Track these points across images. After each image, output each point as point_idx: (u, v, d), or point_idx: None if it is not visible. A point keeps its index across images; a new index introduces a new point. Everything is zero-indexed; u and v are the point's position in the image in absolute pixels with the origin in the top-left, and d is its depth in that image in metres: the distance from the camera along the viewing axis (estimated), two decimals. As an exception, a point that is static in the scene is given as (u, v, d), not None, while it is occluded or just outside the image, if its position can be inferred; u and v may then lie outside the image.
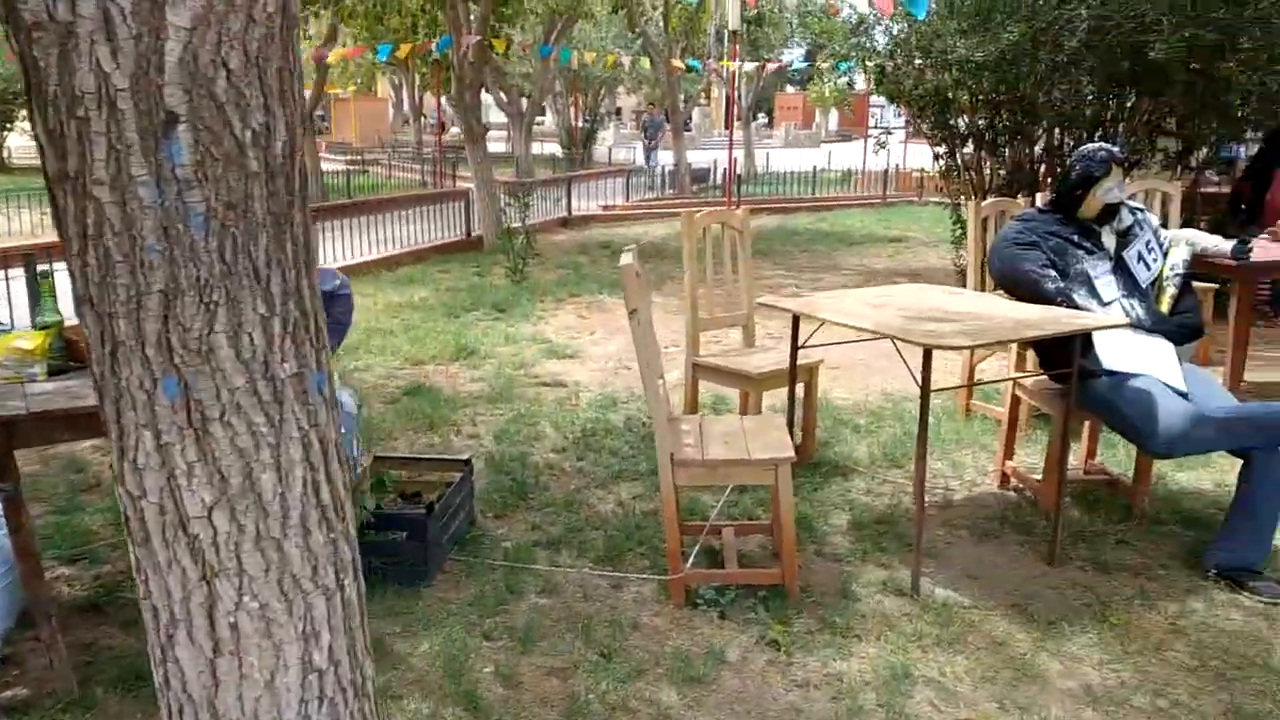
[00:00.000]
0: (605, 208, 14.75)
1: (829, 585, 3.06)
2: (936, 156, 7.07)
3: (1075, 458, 3.98)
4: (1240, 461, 3.13)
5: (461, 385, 5.30)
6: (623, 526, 3.48)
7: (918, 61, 6.11)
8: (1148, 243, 3.47)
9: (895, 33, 5.95)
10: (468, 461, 3.50)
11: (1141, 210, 3.58)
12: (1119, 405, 3.15)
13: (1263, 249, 4.86)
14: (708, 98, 37.98)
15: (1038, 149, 6.67)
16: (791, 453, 2.88)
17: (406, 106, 29.89)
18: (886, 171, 16.42)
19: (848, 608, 2.92)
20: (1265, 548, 3.07)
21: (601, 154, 26.28)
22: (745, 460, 2.87)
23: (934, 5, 5.77)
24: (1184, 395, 3.16)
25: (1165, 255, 3.52)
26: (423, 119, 28.50)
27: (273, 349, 1.24)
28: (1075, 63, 5.69)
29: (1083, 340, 3.18)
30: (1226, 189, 7.40)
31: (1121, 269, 3.42)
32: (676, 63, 15.14)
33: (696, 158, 21.33)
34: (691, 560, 3.12)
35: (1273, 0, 5.47)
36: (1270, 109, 6.56)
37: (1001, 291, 3.56)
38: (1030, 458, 4.10)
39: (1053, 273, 3.35)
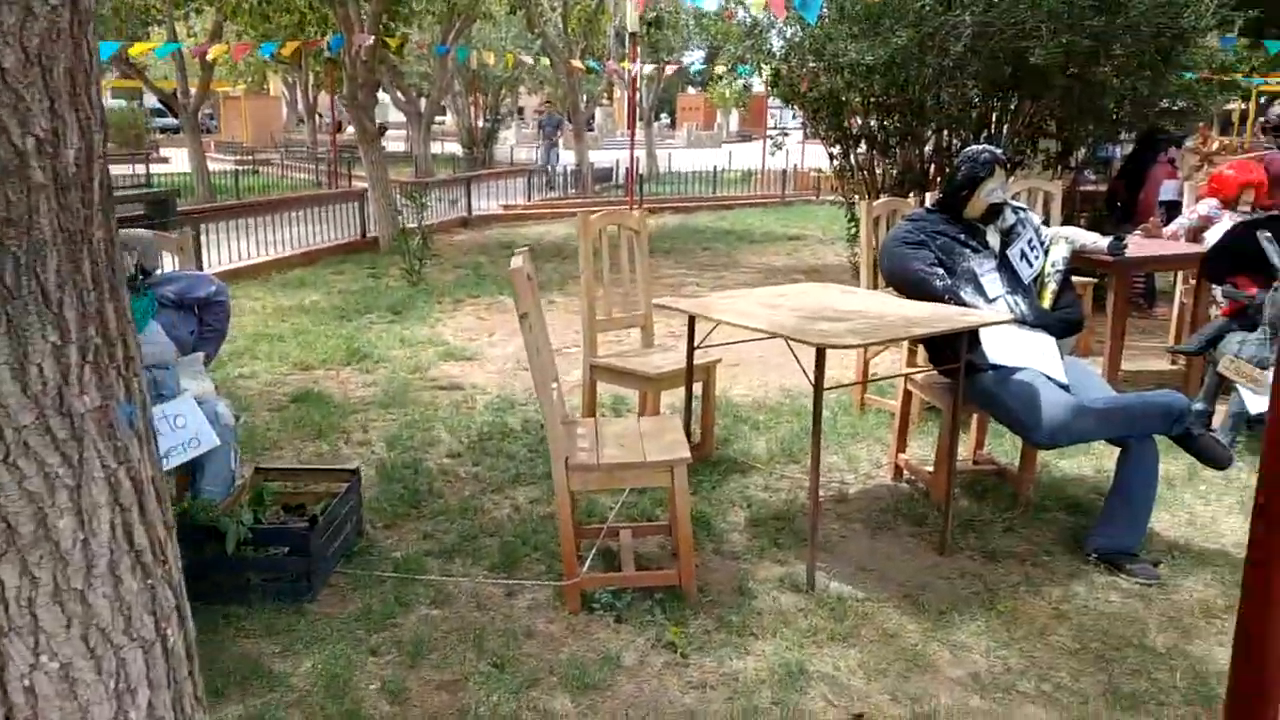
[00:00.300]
0: (506, 207, 14.58)
1: (727, 584, 3.05)
2: (831, 157, 7.19)
3: (965, 449, 4.07)
4: (1118, 450, 3.25)
5: (353, 391, 5.13)
6: (519, 532, 3.40)
7: (811, 64, 6.20)
8: (1030, 241, 3.58)
9: (789, 36, 6.03)
10: (355, 471, 3.37)
11: (1023, 210, 3.68)
12: (1004, 398, 3.23)
13: (1137, 245, 5.08)
14: (610, 98, 38.00)
15: (928, 150, 6.84)
16: (687, 454, 2.85)
17: (300, 105, 29.01)
18: (785, 171, 16.67)
19: (745, 606, 2.91)
20: (1141, 531, 3.19)
21: (504, 154, 26.01)
22: (641, 463, 2.83)
23: (826, 9, 5.85)
24: (1065, 387, 3.26)
25: (1046, 253, 3.63)
26: (318, 118, 27.73)
27: (69, 381, 1.12)
28: (961, 67, 5.85)
29: (969, 336, 3.25)
30: (1104, 188, 7.75)
31: (1005, 266, 3.52)
32: (576, 63, 15.06)
33: (600, 157, 21.27)
34: (588, 564, 3.06)
35: (1141, 10, 5.73)
36: (1142, 112, 6.88)
37: (892, 289, 3.62)
38: (922, 450, 4.18)
39: (940, 271, 3.42)
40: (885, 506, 3.67)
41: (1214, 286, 4.46)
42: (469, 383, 5.29)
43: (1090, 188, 7.83)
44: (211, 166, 16.64)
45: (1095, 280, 5.55)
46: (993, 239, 3.54)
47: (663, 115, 48.84)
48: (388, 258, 9.43)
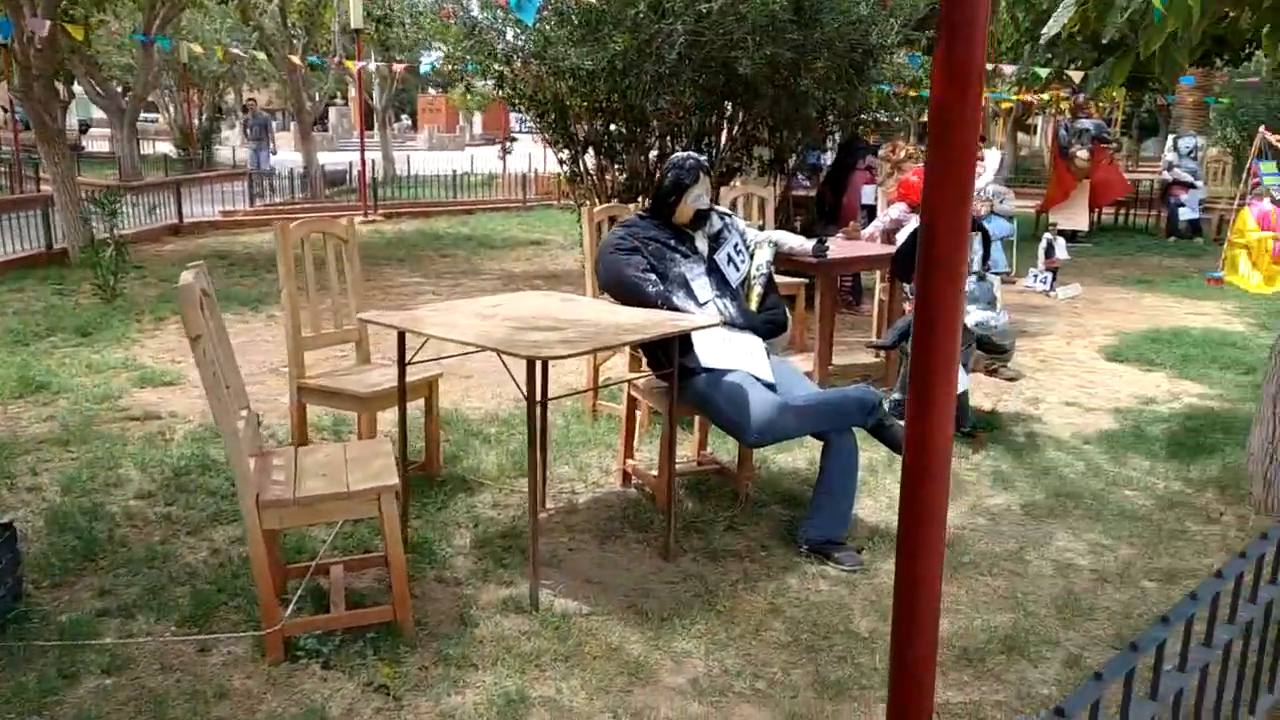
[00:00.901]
0: (225, 214, 13.50)
1: (448, 613, 2.90)
2: (561, 162, 7.19)
3: (690, 450, 4.16)
4: (822, 443, 3.42)
5: (24, 428, 4.48)
6: (216, 578, 3.07)
7: (534, 68, 6.15)
8: (735, 245, 3.69)
9: (511, 38, 5.94)
10: (8, 526, 2.90)
11: (729, 215, 3.80)
12: (716, 400, 3.30)
13: (839, 246, 5.42)
14: (345, 98, 36.35)
15: (653, 155, 7.00)
16: (394, 480, 2.67)
17: (-23, 98, 25.45)
18: (526, 175, 16.64)
19: (465, 636, 2.77)
20: (845, 520, 3.37)
21: (226, 155, 24.18)
22: (342, 494, 2.62)
23: (544, 13, 5.81)
24: (772, 386, 3.38)
25: (751, 257, 3.76)
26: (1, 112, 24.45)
27: None
28: (676, 74, 6.02)
29: (682, 340, 3.29)
30: (815, 193, 8.29)
31: (714, 271, 3.60)
32: (295, 59, 14.19)
33: (334, 160, 20.26)
34: (292, 607, 2.80)
35: (835, 27, 6.15)
36: (846, 121, 7.42)
37: (609, 295, 3.61)
38: (651, 454, 4.22)
39: (653, 276, 3.45)
40: (614, 515, 3.66)
41: (904, 284, 4.84)
42: (167, 411, 4.77)
43: (803, 192, 8.36)
44: None
45: (806, 281, 5.89)
46: (701, 244, 3.62)
47: (403, 116, 47.43)
48: (79, 272, 8.40)
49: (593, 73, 5.83)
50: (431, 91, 43.96)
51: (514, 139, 9.72)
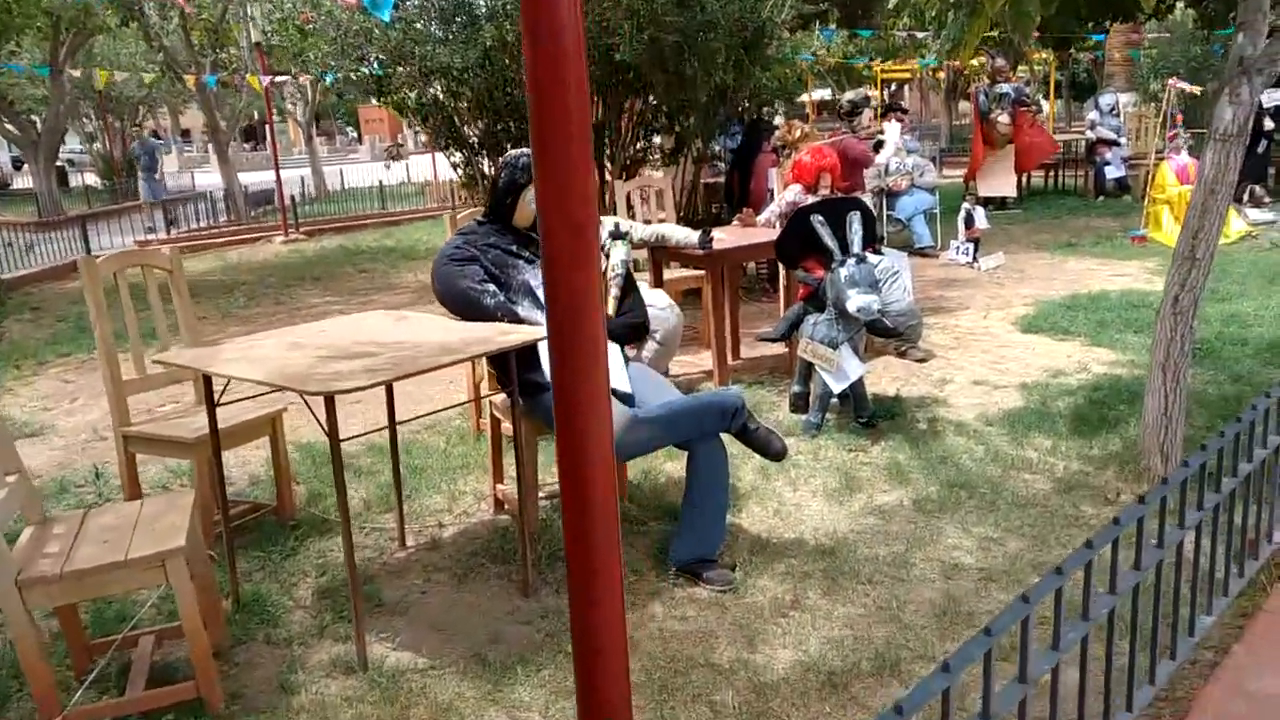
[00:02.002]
0: (140, 244, 13.02)
1: (269, 681, 2.63)
2: (454, 166, 6.89)
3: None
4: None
5: None
6: (15, 661, 2.77)
7: (403, 70, 5.84)
8: (586, 246, 3.43)
9: (375, 39, 5.63)
10: None
11: (579, 214, 3.54)
12: (565, 418, 3.04)
13: (732, 234, 5.20)
14: (281, 115, 35.64)
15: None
16: (179, 542, 2.39)
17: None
18: (452, 182, 16.28)
19: (283, 706, 2.50)
20: (717, 536, 3.13)
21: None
22: (119, 563, 2.33)
23: (403, 9, 5.51)
24: (630, 398, 3.13)
25: (607, 256, 3.51)
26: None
27: None
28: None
29: (529, 353, 3.04)
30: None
31: (562, 276, 3.34)
32: (189, 79, 13.69)
33: (262, 179, 19.74)
34: (81, 693, 2.52)
35: (719, 6, 5.90)
36: (751, 103, 7.18)
37: (447, 311, 3.33)
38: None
39: (492, 287, 3.19)
40: (478, 547, 3.40)
41: (794, 272, 4.62)
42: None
43: (717, 180, 8.12)
44: None
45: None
46: (547, 250, 3.36)
47: (349, 129, 46.77)
48: (-38, 316, 8.01)
49: (464, 69, 5.54)
50: (374, 102, 43.25)
51: (400, 145, 9.34)
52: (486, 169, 6.76)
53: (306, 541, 3.48)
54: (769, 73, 6.62)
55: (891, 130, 7.28)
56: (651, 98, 6.58)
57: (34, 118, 19.55)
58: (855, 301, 3.93)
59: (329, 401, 2.50)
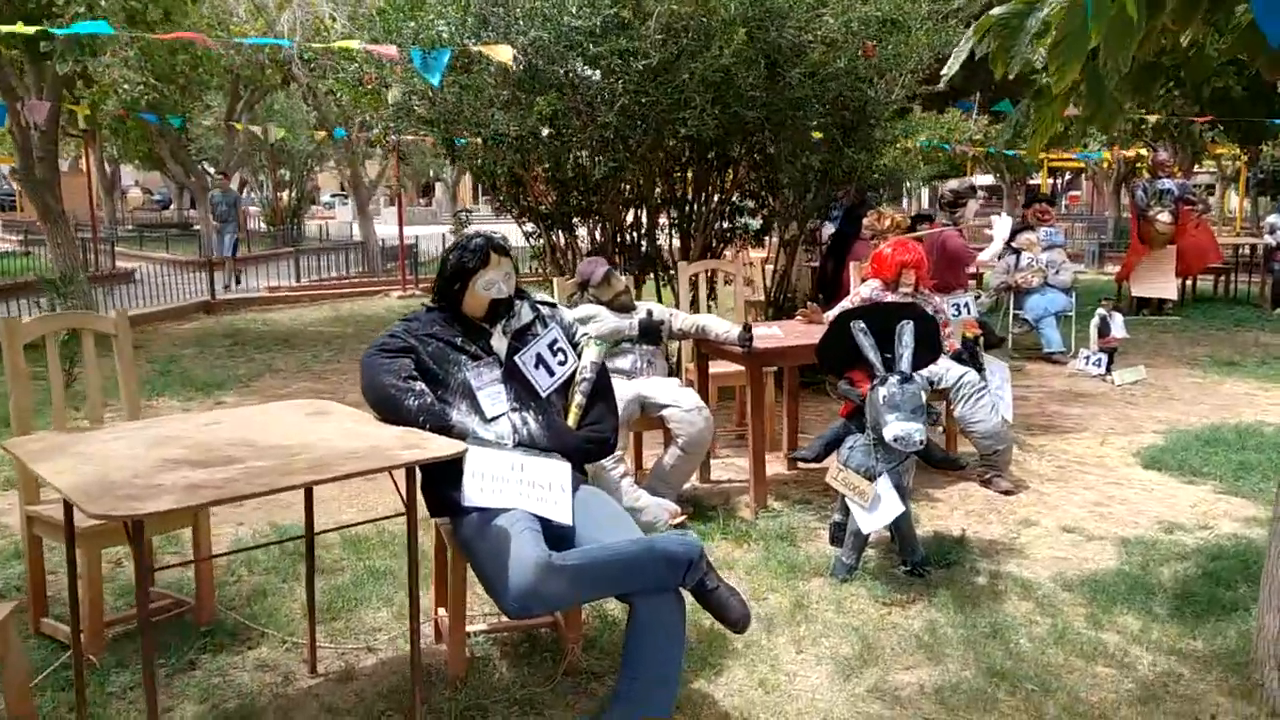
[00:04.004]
0: (271, 289, 13.49)
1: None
2: (526, 236, 6.57)
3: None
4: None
5: None
6: None
7: (468, 137, 5.58)
8: (552, 343, 2.92)
9: (436, 101, 5.39)
10: None
11: (551, 305, 3.05)
12: (478, 552, 2.52)
13: (793, 330, 4.62)
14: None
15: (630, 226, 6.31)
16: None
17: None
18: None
19: None
20: (655, 712, 2.49)
21: (314, 229, 24.93)
22: None
23: (470, 76, 5.24)
24: (567, 532, 2.57)
25: (579, 356, 2.99)
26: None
27: None
28: (623, 138, 5.33)
29: (454, 468, 2.54)
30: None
31: (514, 376, 2.84)
32: (320, 134, 14.22)
33: (429, 231, 20.25)
34: None
35: (818, 81, 5.34)
36: (851, 187, 6.58)
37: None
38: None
39: (419, 386, 2.71)
40: (394, 686, 2.87)
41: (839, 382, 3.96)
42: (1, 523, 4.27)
43: (813, 265, 7.50)
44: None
45: (774, 369, 5.05)
46: (499, 342, 2.87)
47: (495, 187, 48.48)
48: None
49: (521, 138, 5.21)
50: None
51: (469, 211, 9.12)
52: (560, 241, 6.40)
53: (219, 656, 3.04)
54: (870, 155, 5.99)
55: (1000, 225, 6.46)
56: (735, 176, 6.08)
57: (207, 165, 20.89)
58: (892, 429, 3.24)
59: (138, 525, 2.06)
